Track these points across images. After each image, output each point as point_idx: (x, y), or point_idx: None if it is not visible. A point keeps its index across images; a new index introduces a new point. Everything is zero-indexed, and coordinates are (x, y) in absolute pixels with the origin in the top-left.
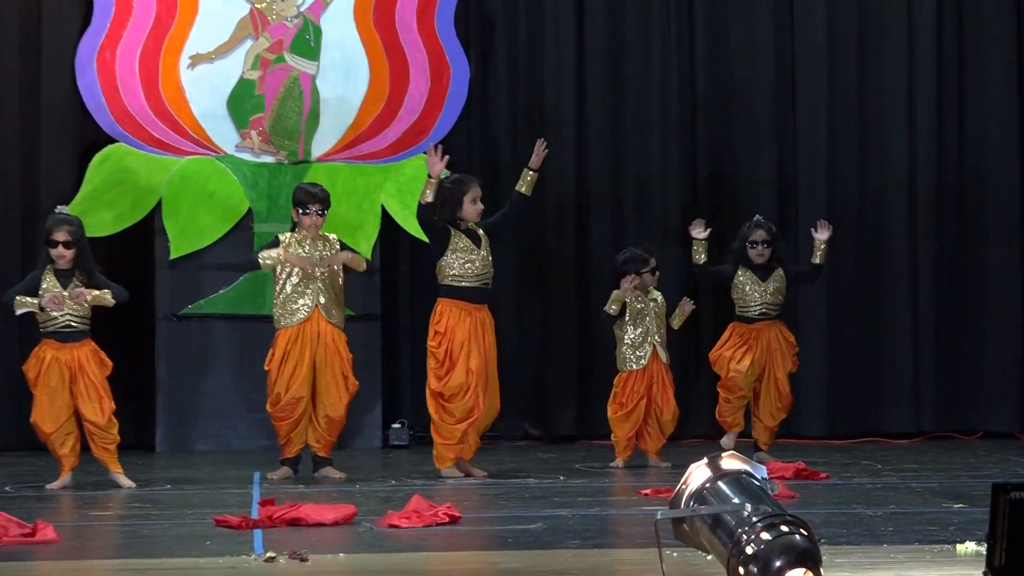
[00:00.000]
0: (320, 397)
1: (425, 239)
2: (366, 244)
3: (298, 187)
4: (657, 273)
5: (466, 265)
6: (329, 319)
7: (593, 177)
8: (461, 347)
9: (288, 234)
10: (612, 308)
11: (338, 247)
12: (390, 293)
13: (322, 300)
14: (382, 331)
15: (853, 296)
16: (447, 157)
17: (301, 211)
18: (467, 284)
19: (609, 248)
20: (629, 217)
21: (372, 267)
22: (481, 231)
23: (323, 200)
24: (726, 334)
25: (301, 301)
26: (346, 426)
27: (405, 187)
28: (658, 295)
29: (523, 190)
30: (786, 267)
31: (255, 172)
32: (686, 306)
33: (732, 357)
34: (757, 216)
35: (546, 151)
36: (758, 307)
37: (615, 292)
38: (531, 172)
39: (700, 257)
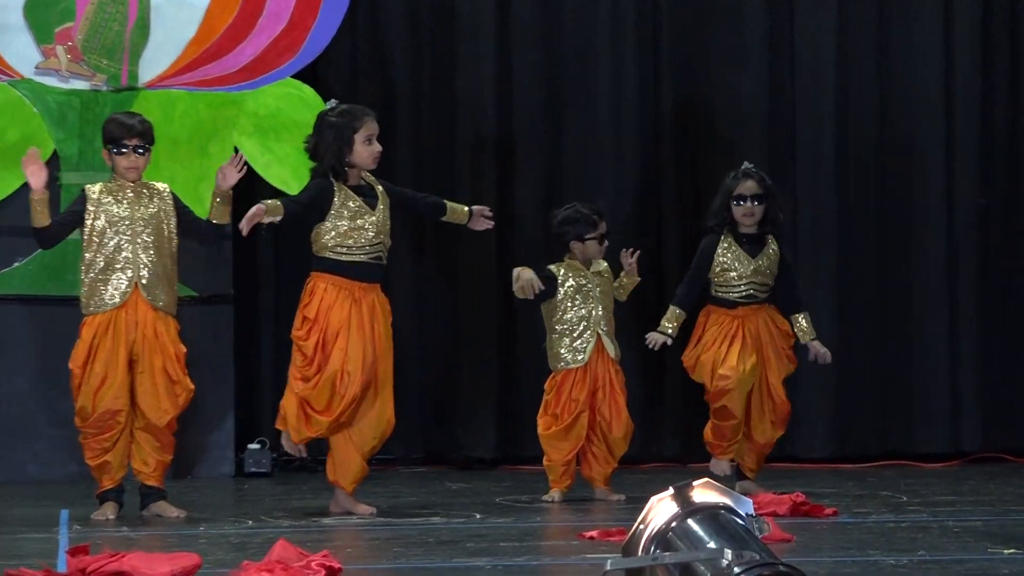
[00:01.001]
0: (140, 406)
1: (294, 191)
2: None
3: (109, 119)
4: (606, 242)
5: (353, 232)
6: (153, 303)
7: (520, 110)
8: (337, 338)
9: (98, 185)
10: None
11: (171, 203)
12: (247, 267)
13: (144, 276)
14: (236, 319)
15: (870, 277)
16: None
17: (114, 150)
18: (353, 257)
19: (542, 209)
20: (568, 166)
21: (223, 232)
22: (380, 187)
23: (143, 133)
24: (699, 325)
25: (116, 277)
26: (188, 447)
27: (266, 124)
28: (605, 265)
29: (447, 218)
30: (782, 248)
31: (63, 102)
32: (626, 259)
33: (715, 357)
34: (746, 164)
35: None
36: (743, 286)
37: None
38: (468, 210)
39: (669, 328)
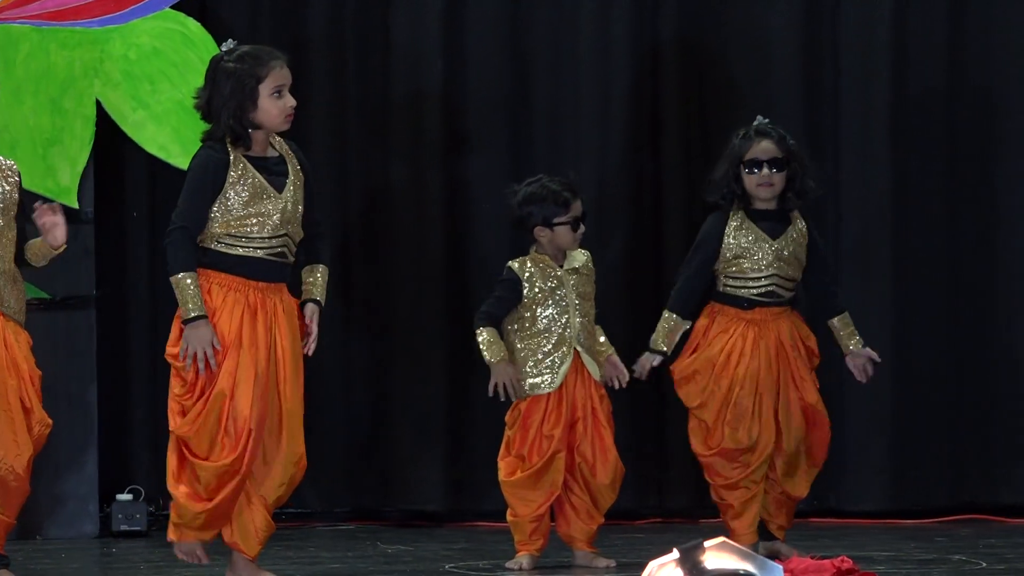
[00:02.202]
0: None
1: (179, 162)
2: (69, 172)
3: None
4: (582, 227)
5: (251, 219)
6: (1, 308)
7: (474, 55)
8: (225, 354)
9: None
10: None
11: (17, 180)
12: (113, 261)
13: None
14: (99, 328)
15: (937, 276)
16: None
17: None
18: (250, 251)
19: (504, 187)
20: (537, 128)
21: (81, 215)
22: (295, 160)
23: None
24: (699, 332)
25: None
26: (36, 499)
27: (139, 70)
28: (584, 258)
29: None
30: (812, 230)
31: None
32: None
33: (722, 369)
34: (760, 118)
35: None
36: (763, 280)
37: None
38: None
39: (663, 344)
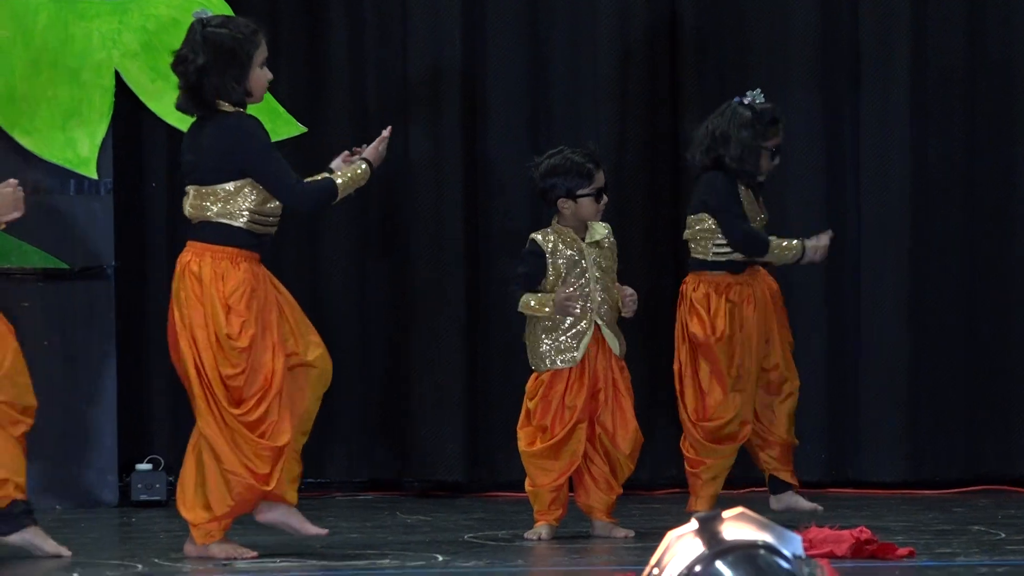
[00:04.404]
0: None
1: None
2: (88, 143)
3: None
4: (605, 198)
5: (261, 192)
6: None
7: (493, 24)
8: (264, 335)
9: None
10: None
11: None
12: (132, 232)
13: None
14: (117, 298)
15: (954, 249)
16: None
17: None
18: (254, 225)
19: (522, 159)
20: (555, 100)
21: (100, 184)
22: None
23: None
24: (686, 300)
25: None
26: (57, 469)
27: (157, 41)
28: (605, 232)
29: (337, 181)
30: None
31: None
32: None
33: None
34: (760, 97)
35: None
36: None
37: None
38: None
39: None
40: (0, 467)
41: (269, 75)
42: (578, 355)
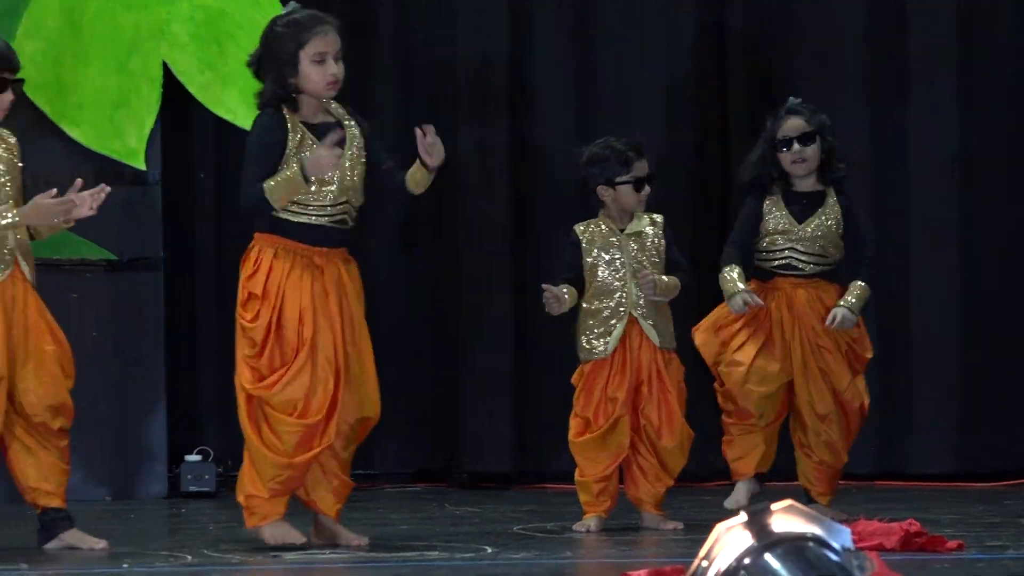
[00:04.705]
0: (44, 403)
1: (246, 124)
2: (136, 134)
3: None
4: (647, 188)
5: (312, 186)
6: (29, 277)
7: (540, 21)
8: (299, 319)
9: None
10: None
11: (17, 152)
12: (180, 223)
13: (17, 245)
14: (166, 289)
15: (1007, 237)
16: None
17: None
18: (305, 217)
19: (568, 146)
20: (603, 91)
21: (149, 175)
22: (354, 125)
23: (9, 60)
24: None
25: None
26: (106, 460)
27: (206, 32)
28: (648, 222)
29: (411, 188)
30: (845, 201)
31: None
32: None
33: (731, 340)
34: (792, 99)
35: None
36: (782, 251)
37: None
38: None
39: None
40: (25, 477)
41: (332, 70)
42: (609, 346)
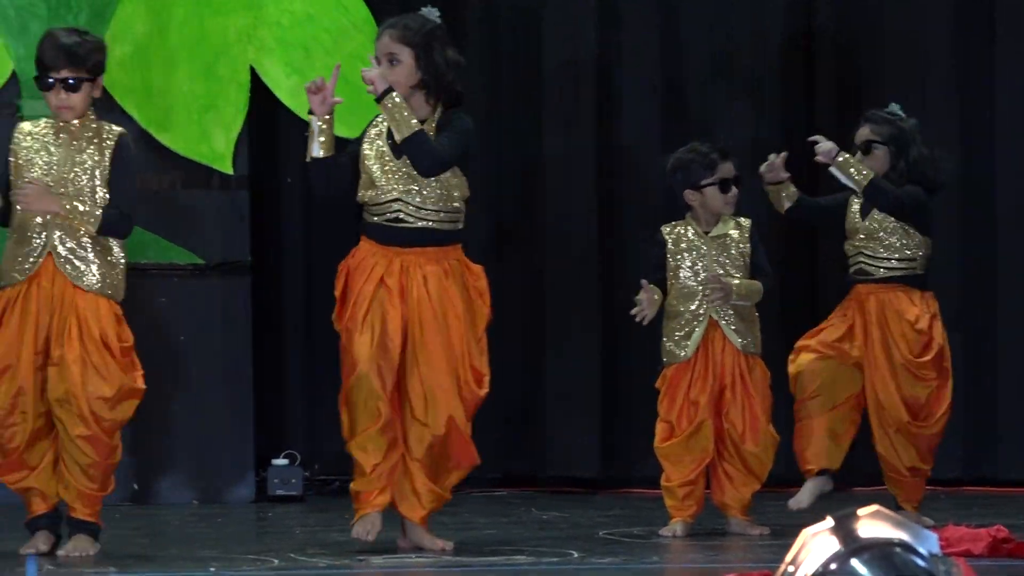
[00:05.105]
0: (62, 413)
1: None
2: (224, 138)
3: (44, 35)
4: (734, 189)
5: (373, 183)
6: (76, 280)
7: (627, 25)
8: (364, 320)
9: (31, 124)
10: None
11: (109, 154)
12: (268, 227)
13: (59, 243)
14: (253, 293)
15: None
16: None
17: (41, 82)
18: (376, 216)
19: (654, 150)
20: (690, 94)
21: (236, 179)
22: (432, 123)
23: (76, 61)
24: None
25: (34, 243)
26: (194, 464)
27: (292, 36)
28: (733, 225)
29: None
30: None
31: (23, 8)
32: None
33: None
34: (893, 105)
35: None
36: (859, 257)
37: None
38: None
39: (784, 200)
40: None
41: (397, 65)
42: (688, 350)
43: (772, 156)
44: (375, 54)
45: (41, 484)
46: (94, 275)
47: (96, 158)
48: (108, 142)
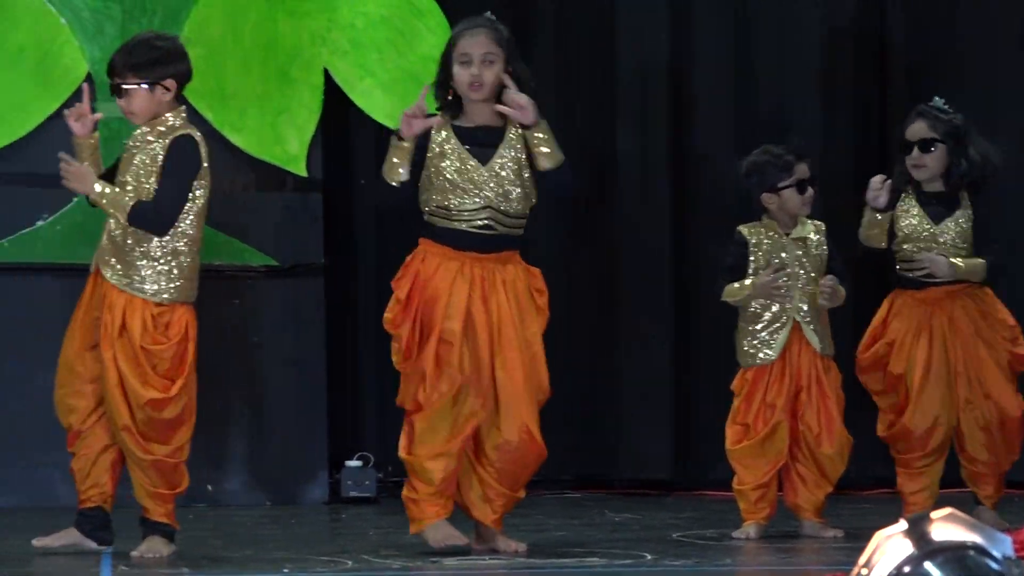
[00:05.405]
0: (106, 407)
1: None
2: (297, 140)
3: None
4: (811, 190)
5: (456, 189)
6: (109, 277)
7: (700, 28)
8: (463, 327)
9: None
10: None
11: (163, 153)
12: (341, 229)
13: (108, 241)
14: (327, 295)
15: None
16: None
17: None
18: (456, 223)
19: (727, 152)
20: (762, 96)
21: (310, 181)
22: (511, 125)
23: (122, 68)
24: (880, 314)
25: (98, 240)
26: (267, 466)
27: (366, 38)
28: (813, 228)
29: (545, 165)
30: (978, 205)
31: (98, 10)
32: (823, 295)
33: (890, 355)
34: (937, 99)
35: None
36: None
37: (741, 228)
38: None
39: (882, 237)
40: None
41: (472, 72)
42: (774, 352)
43: (875, 181)
44: (472, 52)
45: (84, 468)
46: (135, 274)
47: (146, 162)
48: (167, 142)
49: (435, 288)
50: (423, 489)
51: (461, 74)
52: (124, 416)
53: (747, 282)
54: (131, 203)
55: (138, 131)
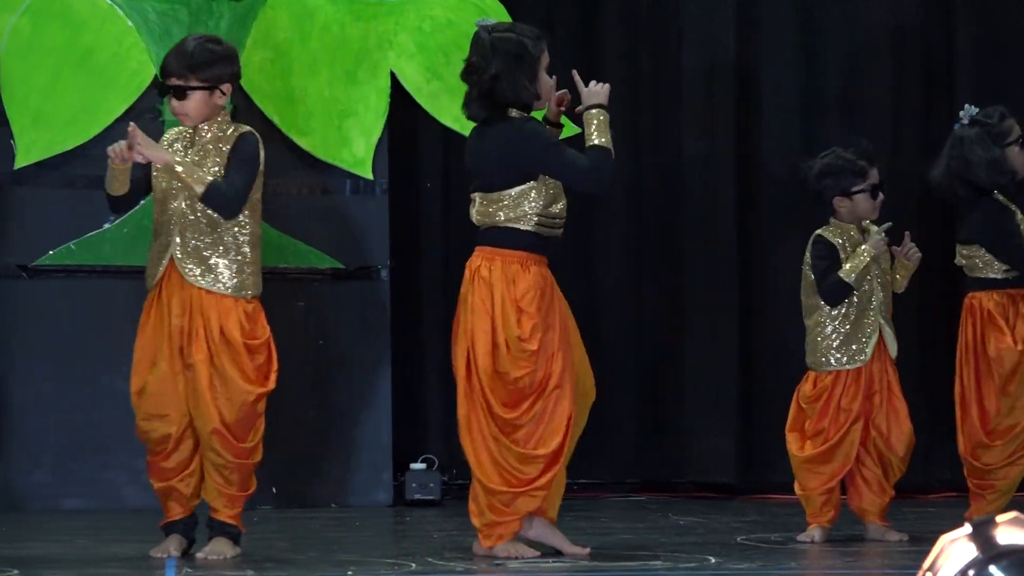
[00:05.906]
0: (194, 413)
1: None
2: (364, 143)
3: (179, 42)
4: (881, 195)
5: (546, 195)
6: (195, 281)
7: (765, 30)
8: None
9: (177, 129)
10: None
11: (227, 154)
12: (407, 232)
13: (177, 246)
14: (392, 298)
15: None
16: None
17: (160, 88)
18: (541, 228)
19: (794, 154)
20: (829, 97)
21: (375, 184)
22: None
23: (186, 64)
24: (967, 320)
25: (160, 246)
26: (331, 469)
27: (433, 42)
28: (874, 230)
29: (597, 141)
30: None
31: (165, 13)
32: (906, 253)
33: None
34: (978, 111)
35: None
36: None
37: (824, 230)
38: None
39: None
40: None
41: (551, 80)
42: (865, 356)
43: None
44: (548, 62)
45: (183, 487)
46: (217, 274)
47: (217, 160)
48: (230, 143)
49: (530, 300)
50: (503, 514)
51: (547, 80)
52: (214, 419)
53: (861, 250)
54: (209, 178)
55: (177, 129)
